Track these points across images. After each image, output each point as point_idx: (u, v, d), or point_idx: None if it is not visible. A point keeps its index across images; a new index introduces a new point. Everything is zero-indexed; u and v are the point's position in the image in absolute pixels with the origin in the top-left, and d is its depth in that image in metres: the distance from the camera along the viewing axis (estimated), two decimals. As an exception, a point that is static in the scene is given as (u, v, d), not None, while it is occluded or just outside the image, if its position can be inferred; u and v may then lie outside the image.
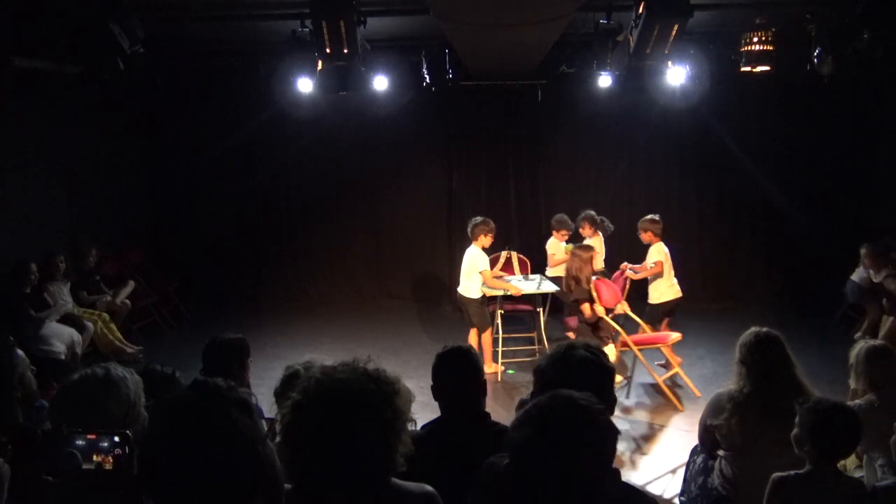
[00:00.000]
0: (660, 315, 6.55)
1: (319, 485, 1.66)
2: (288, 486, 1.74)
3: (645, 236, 6.61)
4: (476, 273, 6.58)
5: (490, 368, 6.53)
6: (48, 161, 7.45)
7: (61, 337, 6.32)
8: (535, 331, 7.23)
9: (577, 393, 1.61)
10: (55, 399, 2.06)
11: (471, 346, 2.85)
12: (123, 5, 5.14)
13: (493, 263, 7.22)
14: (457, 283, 6.92)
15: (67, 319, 6.65)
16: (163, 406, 1.46)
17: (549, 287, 6.94)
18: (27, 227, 6.94)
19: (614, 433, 1.59)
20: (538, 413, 1.56)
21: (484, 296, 6.69)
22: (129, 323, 7.67)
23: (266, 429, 1.52)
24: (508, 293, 6.65)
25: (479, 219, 6.65)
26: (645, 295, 6.66)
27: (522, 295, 6.76)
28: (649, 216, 6.68)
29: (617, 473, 1.61)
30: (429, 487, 1.86)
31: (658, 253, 6.51)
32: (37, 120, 7.26)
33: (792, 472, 2.71)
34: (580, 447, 1.51)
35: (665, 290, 6.49)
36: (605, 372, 2.18)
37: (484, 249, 6.63)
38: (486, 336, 6.68)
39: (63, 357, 6.19)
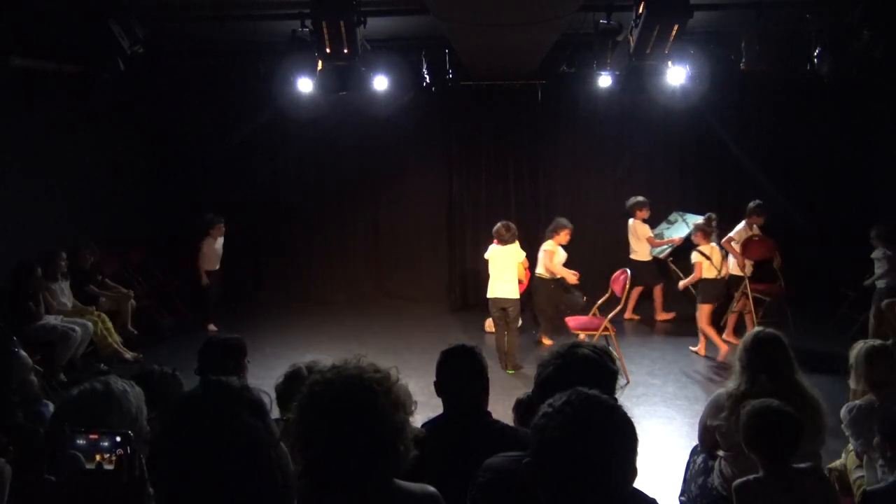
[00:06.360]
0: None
1: (321, 485, 1.66)
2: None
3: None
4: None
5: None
6: (48, 161, 7.43)
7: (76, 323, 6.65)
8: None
9: (602, 394, 1.60)
10: (54, 414, 2.03)
11: (476, 345, 2.80)
12: (123, 5, 5.14)
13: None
14: (457, 282, 6.89)
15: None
16: (173, 406, 1.43)
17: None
18: (27, 227, 6.94)
19: (636, 436, 1.58)
20: (568, 413, 1.54)
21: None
22: (132, 326, 7.62)
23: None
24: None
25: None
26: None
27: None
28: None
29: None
30: (430, 488, 1.85)
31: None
32: (37, 120, 7.25)
33: (751, 477, 2.77)
34: (612, 448, 1.51)
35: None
36: (606, 373, 2.15)
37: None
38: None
39: (76, 333, 6.46)
